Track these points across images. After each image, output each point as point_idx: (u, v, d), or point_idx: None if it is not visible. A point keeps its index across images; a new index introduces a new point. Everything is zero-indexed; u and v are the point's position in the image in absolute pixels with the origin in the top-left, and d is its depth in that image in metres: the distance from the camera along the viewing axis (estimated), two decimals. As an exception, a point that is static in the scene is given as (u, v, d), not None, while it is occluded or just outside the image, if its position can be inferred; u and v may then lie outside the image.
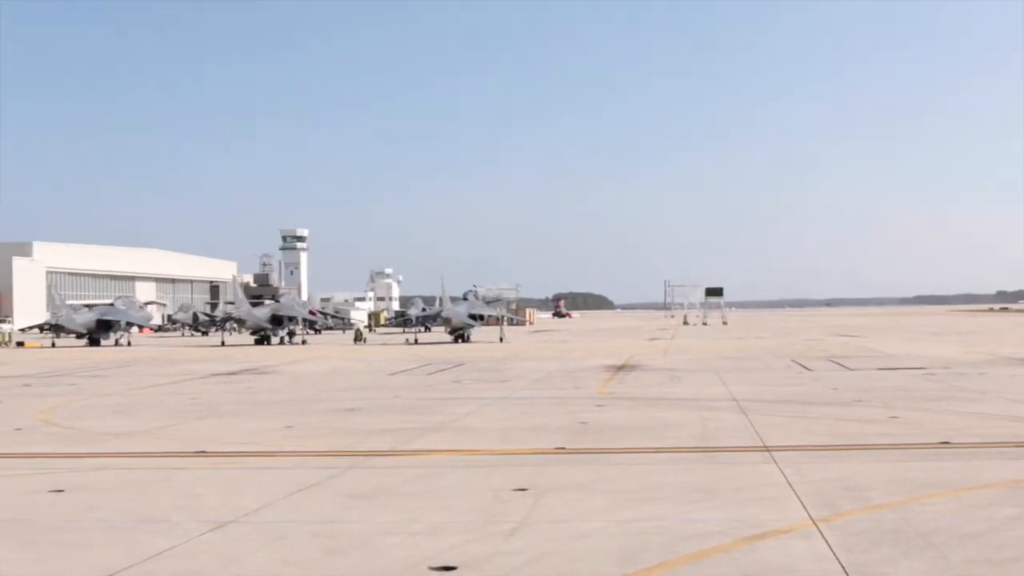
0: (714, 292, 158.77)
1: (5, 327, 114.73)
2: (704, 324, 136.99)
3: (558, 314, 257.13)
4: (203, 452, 20.26)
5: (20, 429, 24.79)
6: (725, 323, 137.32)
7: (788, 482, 15.56)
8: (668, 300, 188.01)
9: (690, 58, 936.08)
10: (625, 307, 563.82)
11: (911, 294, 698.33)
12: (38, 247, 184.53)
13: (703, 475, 16.52)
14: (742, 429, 22.34)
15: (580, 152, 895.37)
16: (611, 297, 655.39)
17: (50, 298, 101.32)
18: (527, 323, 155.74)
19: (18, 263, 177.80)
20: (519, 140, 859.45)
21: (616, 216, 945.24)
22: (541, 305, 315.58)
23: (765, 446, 19.55)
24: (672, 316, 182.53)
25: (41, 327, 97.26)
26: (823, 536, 12.09)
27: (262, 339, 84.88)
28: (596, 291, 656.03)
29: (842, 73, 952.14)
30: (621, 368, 44.72)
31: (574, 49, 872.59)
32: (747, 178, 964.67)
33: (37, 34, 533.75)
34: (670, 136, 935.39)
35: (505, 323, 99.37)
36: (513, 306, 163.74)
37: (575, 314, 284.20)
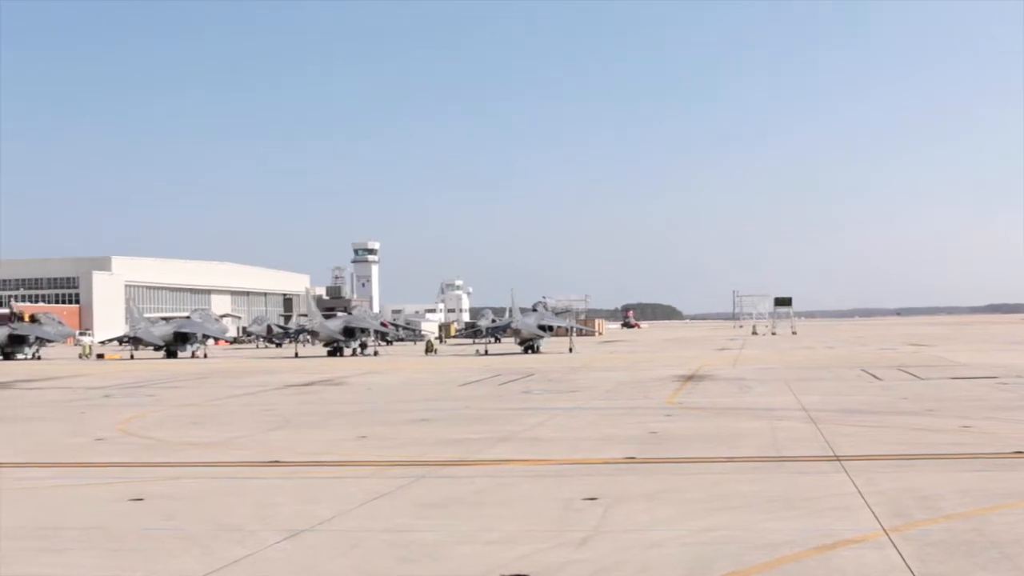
0: (783, 302, 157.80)
1: (86, 339, 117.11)
2: (773, 334, 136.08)
3: (627, 324, 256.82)
4: (278, 462, 20.43)
5: (101, 439, 25.17)
6: (794, 333, 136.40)
7: (859, 492, 15.38)
8: (737, 310, 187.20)
9: (756, 63, 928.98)
10: (694, 317, 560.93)
11: (983, 303, 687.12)
12: (117, 261, 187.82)
13: (773, 485, 16.38)
14: (812, 439, 22.12)
15: (648, 162, 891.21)
16: (680, 307, 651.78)
17: (129, 311, 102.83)
18: (596, 334, 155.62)
19: (98, 277, 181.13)
20: (588, 151, 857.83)
21: (684, 226, 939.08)
22: (610, 316, 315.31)
23: (836, 456, 19.35)
24: (741, 326, 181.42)
25: (120, 340, 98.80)
26: (895, 546, 11.92)
27: (335, 351, 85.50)
28: (665, 301, 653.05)
29: (910, 79, 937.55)
30: (690, 378, 44.49)
31: (642, 57, 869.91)
32: (815, 187, 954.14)
33: (110, 50, 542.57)
34: (737, 145, 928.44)
35: (574, 334, 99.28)
36: (582, 317, 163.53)
37: (644, 324, 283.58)
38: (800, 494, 15.41)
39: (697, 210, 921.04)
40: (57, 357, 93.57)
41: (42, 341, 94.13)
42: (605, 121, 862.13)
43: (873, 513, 13.78)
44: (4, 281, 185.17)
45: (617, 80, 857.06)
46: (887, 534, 12.54)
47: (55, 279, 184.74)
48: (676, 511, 14.33)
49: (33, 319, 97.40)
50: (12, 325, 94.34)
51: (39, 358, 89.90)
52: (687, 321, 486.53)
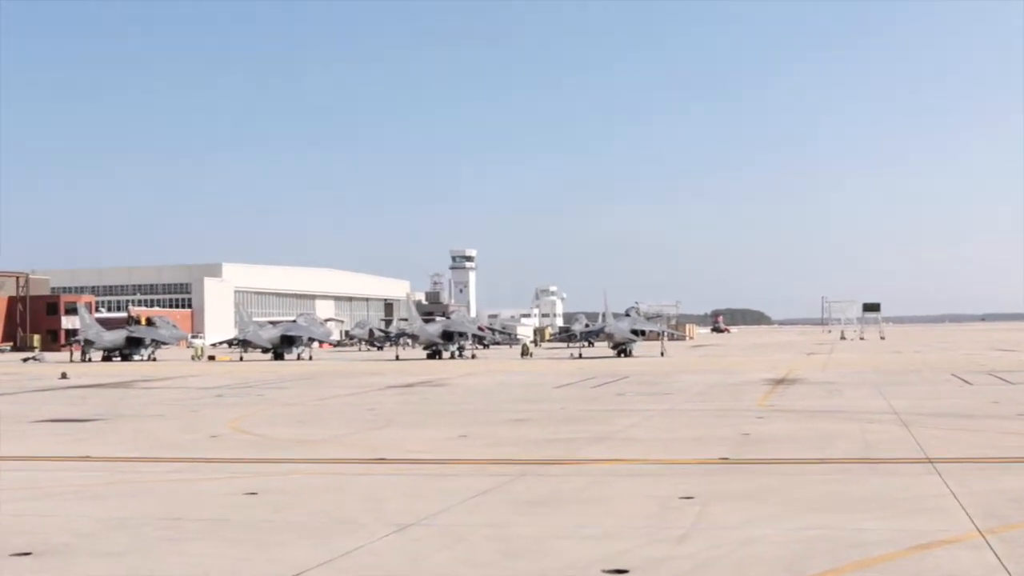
0: (871, 308, 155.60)
1: (198, 342, 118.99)
2: (861, 339, 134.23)
3: (717, 329, 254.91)
4: (383, 459, 20.61)
5: (215, 436, 25.62)
6: (882, 338, 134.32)
7: (952, 493, 15.11)
8: (825, 316, 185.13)
9: (847, 70, 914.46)
10: (782, 323, 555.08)
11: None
12: (227, 268, 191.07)
13: (866, 485, 16.17)
14: (903, 441, 21.79)
15: (739, 171, 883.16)
16: (768, 313, 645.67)
17: (238, 315, 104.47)
18: (687, 338, 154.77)
19: (209, 283, 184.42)
20: (675, 160, 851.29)
21: (774, 232, 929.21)
22: (700, 321, 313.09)
23: (928, 458, 19.02)
24: (829, 331, 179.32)
25: (230, 342, 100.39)
26: (991, 547, 11.70)
27: (434, 354, 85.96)
28: (754, 307, 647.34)
29: (999, 78, 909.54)
30: (780, 382, 44.04)
31: (752, 69, 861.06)
32: (903, 194, 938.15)
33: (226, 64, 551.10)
34: (827, 152, 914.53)
35: (666, 338, 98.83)
36: (673, 322, 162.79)
37: (733, 329, 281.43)
38: (893, 495, 15.19)
39: (786, 216, 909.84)
40: (171, 358, 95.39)
41: (157, 343, 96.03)
42: (695, 130, 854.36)
43: (967, 514, 13.54)
44: (123, 287, 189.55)
45: (711, 86, 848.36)
46: (982, 535, 12.32)
47: (169, 285, 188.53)
48: (771, 510, 14.21)
49: (149, 322, 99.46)
50: (130, 328, 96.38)
51: (154, 359, 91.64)
52: (776, 326, 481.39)
